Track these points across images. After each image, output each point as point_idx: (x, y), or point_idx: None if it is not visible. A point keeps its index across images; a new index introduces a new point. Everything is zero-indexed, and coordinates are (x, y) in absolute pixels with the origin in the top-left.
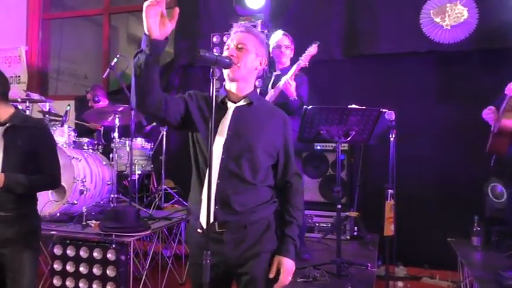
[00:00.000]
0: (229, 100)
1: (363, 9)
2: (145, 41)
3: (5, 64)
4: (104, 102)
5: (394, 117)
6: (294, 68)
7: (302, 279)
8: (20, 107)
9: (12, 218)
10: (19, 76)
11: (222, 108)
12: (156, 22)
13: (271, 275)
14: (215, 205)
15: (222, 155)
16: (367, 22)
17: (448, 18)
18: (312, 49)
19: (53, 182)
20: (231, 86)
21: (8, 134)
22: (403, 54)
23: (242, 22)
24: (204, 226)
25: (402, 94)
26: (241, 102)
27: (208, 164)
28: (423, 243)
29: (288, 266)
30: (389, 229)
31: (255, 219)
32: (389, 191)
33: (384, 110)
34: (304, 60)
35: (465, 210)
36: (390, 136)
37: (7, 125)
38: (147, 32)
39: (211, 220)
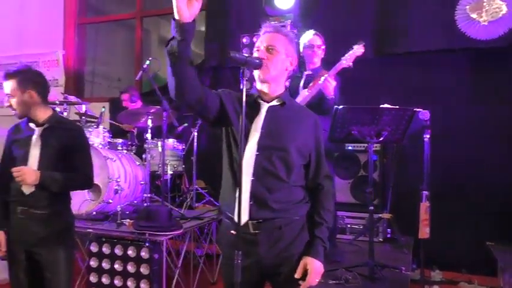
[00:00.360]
0: (262, 100)
1: (395, 6)
2: (175, 27)
3: (44, 68)
4: (138, 104)
5: (428, 117)
6: (336, 67)
7: (334, 281)
8: (58, 109)
9: (47, 216)
10: (57, 79)
11: (255, 107)
12: (185, 2)
13: (298, 276)
14: (250, 201)
15: (257, 152)
16: (399, 19)
17: (486, 13)
18: (357, 50)
19: (87, 182)
20: (262, 87)
21: (46, 134)
22: (437, 52)
23: (271, 22)
24: (240, 222)
25: (436, 93)
26: (274, 102)
27: (238, 163)
28: (460, 247)
29: (316, 267)
30: (424, 231)
31: (290, 219)
32: (424, 192)
33: (417, 110)
34: (347, 61)
35: (504, 213)
36: (424, 136)
37: (45, 125)
38: (177, 16)
39: (247, 218)
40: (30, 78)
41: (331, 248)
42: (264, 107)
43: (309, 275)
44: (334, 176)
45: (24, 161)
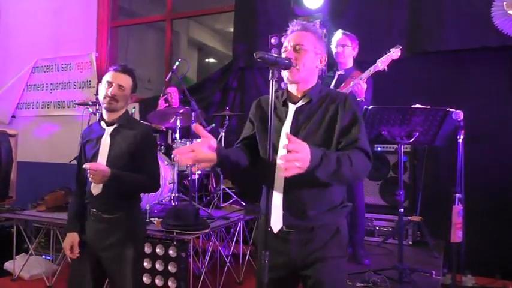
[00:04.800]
0: (290, 101)
1: (427, 3)
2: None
3: (78, 70)
4: (176, 102)
5: (462, 117)
6: (370, 70)
7: (361, 284)
8: (90, 109)
9: (114, 220)
10: (89, 81)
11: (284, 110)
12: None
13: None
14: (283, 210)
15: None
16: (432, 17)
17: None
18: (394, 53)
19: (154, 184)
20: (291, 88)
21: (115, 133)
22: (472, 50)
23: (297, 20)
24: (274, 229)
25: (471, 93)
26: (300, 102)
27: (270, 168)
28: (494, 252)
29: (305, 149)
30: (456, 235)
31: (323, 223)
32: (457, 195)
33: (450, 110)
34: (382, 64)
35: None
36: (458, 137)
37: (115, 125)
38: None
39: (280, 225)
40: (137, 83)
41: (359, 249)
42: (291, 109)
43: (295, 145)
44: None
45: (94, 161)
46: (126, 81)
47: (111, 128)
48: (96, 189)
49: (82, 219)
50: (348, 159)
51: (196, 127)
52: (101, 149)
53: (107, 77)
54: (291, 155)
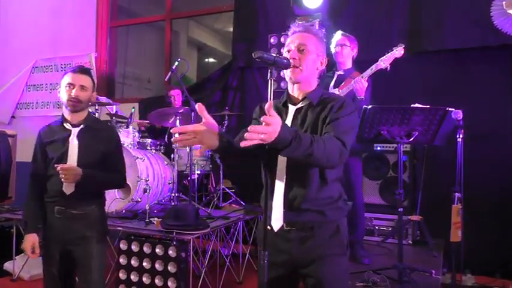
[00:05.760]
0: (290, 103)
1: (427, 3)
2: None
3: None
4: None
5: (461, 117)
6: (372, 68)
7: (361, 284)
8: (90, 109)
9: (83, 216)
10: None
11: (283, 111)
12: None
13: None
14: (283, 208)
15: (288, 160)
16: (432, 16)
17: None
18: (397, 52)
19: (121, 181)
20: (292, 88)
21: (82, 135)
22: (472, 49)
23: (299, 22)
24: (274, 228)
25: (470, 92)
26: (300, 104)
27: (268, 170)
28: (494, 251)
29: (277, 121)
30: (456, 235)
31: (323, 220)
32: (457, 194)
33: (450, 109)
34: (385, 62)
35: None
36: (457, 136)
37: (81, 126)
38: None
39: (281, 223)
40: (95, 82)
41: (358, 249)
42: (291, 110)
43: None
44: (362, 177)
45: (62, 162)
46: (87, 81)
47: (77, 129)
48: (68, 188)
49: (41, 220)
50: (322, 141)
51: (199, 106)
52: (70, 150)
53: (67, 79)
54: (261, 126)
